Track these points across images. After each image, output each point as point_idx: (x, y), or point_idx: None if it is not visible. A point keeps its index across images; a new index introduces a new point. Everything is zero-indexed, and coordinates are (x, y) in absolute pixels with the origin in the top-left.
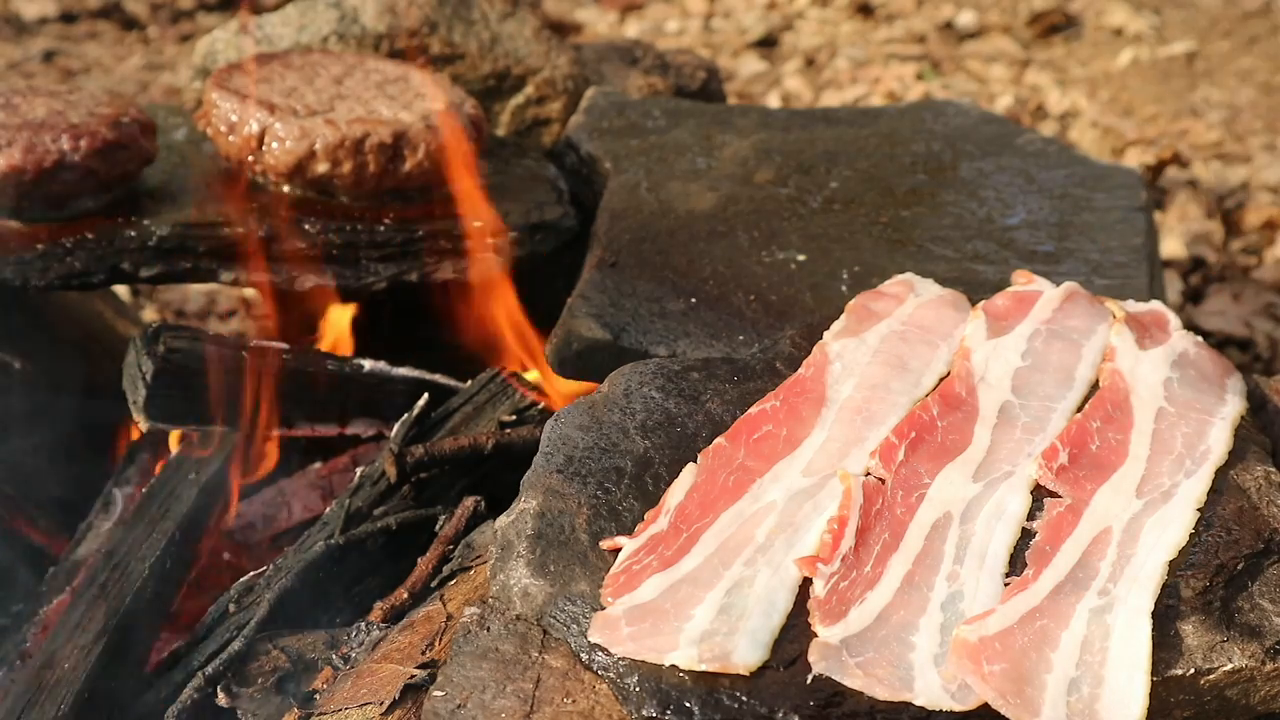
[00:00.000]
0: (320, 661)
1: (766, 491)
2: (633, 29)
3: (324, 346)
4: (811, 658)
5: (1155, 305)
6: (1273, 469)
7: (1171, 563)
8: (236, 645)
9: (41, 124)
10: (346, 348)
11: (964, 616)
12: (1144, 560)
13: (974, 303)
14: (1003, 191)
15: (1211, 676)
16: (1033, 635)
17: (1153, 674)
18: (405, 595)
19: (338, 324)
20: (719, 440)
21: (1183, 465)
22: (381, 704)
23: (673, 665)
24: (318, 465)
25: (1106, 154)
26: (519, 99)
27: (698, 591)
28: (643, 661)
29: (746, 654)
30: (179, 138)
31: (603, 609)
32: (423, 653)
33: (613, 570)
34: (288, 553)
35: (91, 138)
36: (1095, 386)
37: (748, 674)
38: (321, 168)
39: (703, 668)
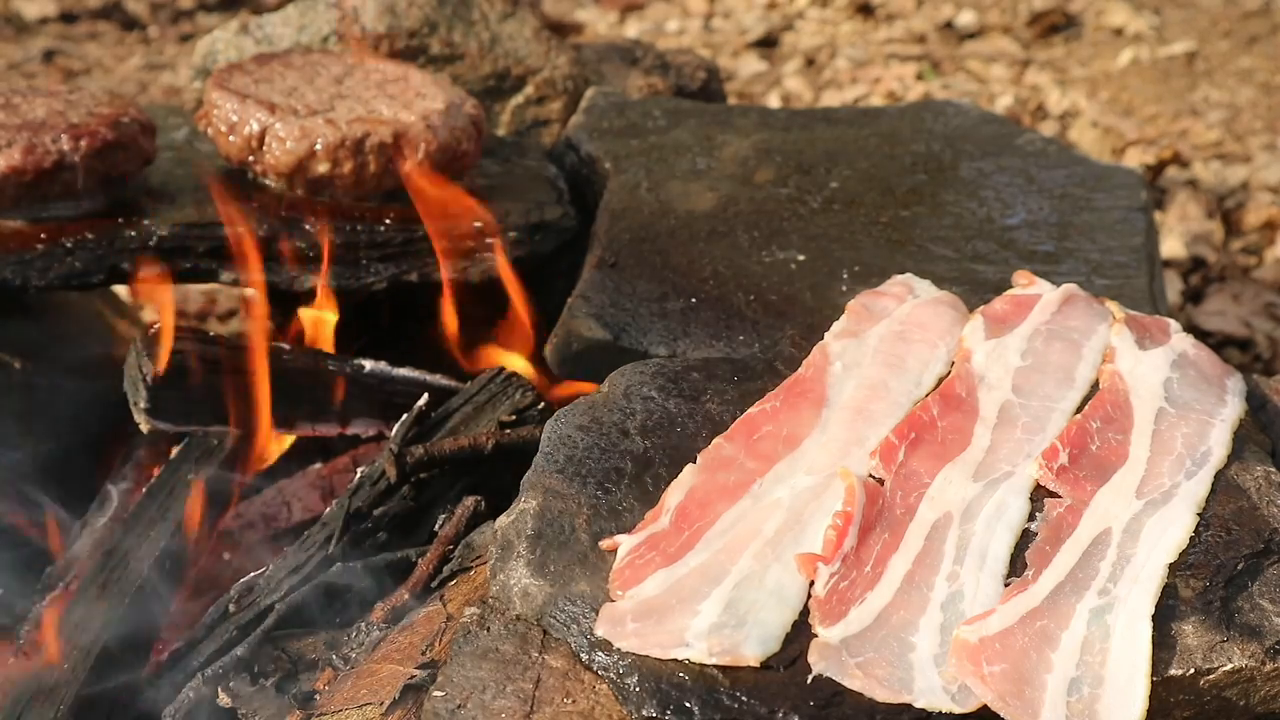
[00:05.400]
0: (320, 662)
1: (769, 490)
2: (633, 29)
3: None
4: (811, 658)
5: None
6: (1273, 469)
7: (1171, 563)
8: (240, 650)
9: (41, 124)
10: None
11: (964, 617)
12: (1144, 561)
13: (975, 303)
14: (1003, 191)
15: (1211, 676)
16: (1033, 636)
17: (1153, 674)
18: (405, 595)
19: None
20: (719, 440)
21: (1183, 466)
22: (381, 704)
23: (674, 664)
24: (318, 465)
25: (1106, 154)
26: (519, 99)
27: (704, 586)
28: (643, 661)
29: (757, 646)
30: (179, 138)
31: (610, 602)
32: (423, 653)
33: (616, 565)
34: (287, 552)
35: (91, 138)
36: (1095, 387)
37: (758, 665)
38: (322, 168)
39: (713, 661)
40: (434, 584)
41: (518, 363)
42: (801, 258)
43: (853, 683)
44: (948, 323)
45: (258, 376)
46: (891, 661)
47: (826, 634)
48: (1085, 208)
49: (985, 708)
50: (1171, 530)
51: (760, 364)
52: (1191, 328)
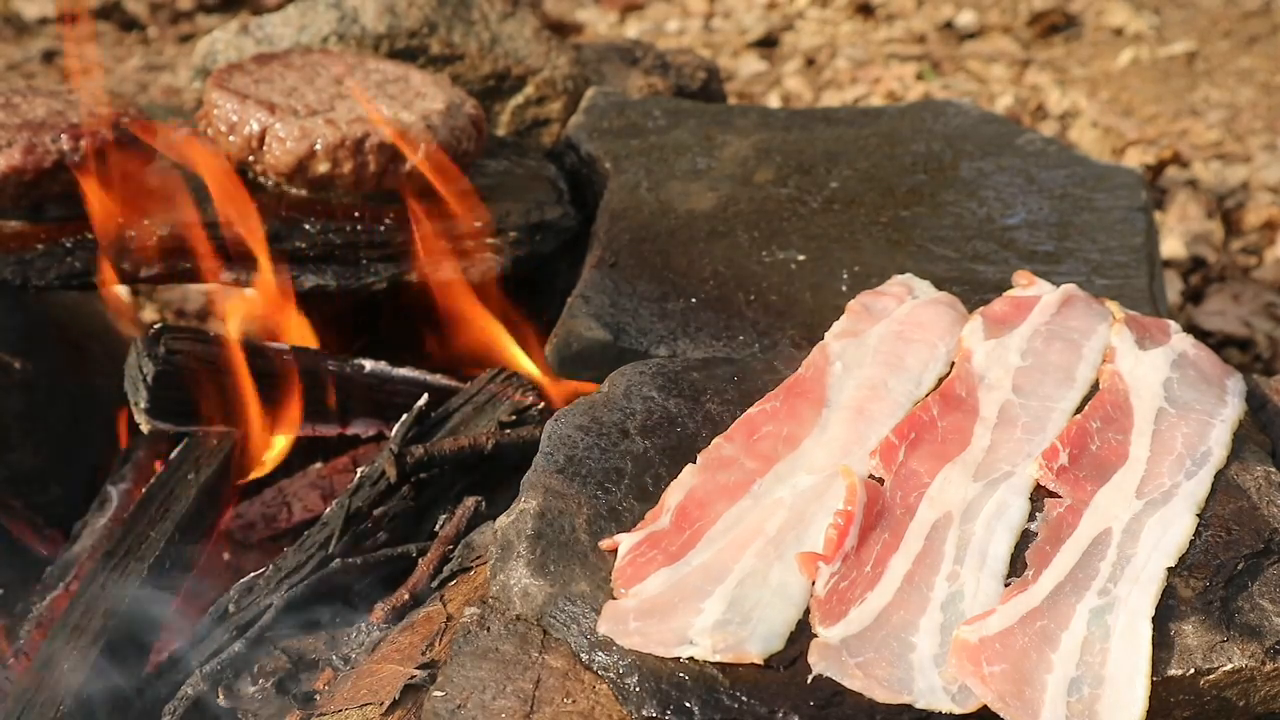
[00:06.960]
0: (321, 662)
1: (770, 490)
2: (633, 29)
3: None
4: (811, 658)
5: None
6: (1272, 469)
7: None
8: (237, 647)
9: (41, 124)
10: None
11: (964, 617)
12: (1144, 561)
13: (975, 303)
14: (1003, 191)
15: (1211, 676)
16: (1033, 636)
17: (1153, 674)
18: (405, 596)
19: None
20: (719, 440)
21: (1183, 466)
22: (381, 704)
23: (674, 664)
24: (318, 465)
25: (1106, 154)
26: (519, 99)
27: (707, 585)
28: (643, 661)
29: (761, 643)
30: (179, 138)
31: (613, 601)
32: (423, 653)
33: (618, 564)
34: (287, 552)
35: (91, 138)
36: (1095, 387)
37: (762, 663)
38: (322, 168)
39: (717, 658)
40: (434, 584)
41: (526, 364)
42: (801, 258)
43: (853, 683)
44: (947, 323)
45: (258, 377)
46: (891, 661)
47: (826, 634)
48: (1085, 208)
49: (985, 708)
50: (1172, 530)
51: (760, 364)
52: (1191, 328)
